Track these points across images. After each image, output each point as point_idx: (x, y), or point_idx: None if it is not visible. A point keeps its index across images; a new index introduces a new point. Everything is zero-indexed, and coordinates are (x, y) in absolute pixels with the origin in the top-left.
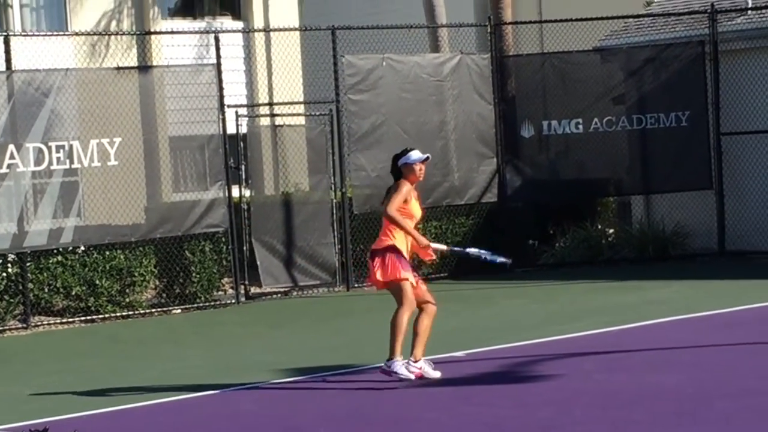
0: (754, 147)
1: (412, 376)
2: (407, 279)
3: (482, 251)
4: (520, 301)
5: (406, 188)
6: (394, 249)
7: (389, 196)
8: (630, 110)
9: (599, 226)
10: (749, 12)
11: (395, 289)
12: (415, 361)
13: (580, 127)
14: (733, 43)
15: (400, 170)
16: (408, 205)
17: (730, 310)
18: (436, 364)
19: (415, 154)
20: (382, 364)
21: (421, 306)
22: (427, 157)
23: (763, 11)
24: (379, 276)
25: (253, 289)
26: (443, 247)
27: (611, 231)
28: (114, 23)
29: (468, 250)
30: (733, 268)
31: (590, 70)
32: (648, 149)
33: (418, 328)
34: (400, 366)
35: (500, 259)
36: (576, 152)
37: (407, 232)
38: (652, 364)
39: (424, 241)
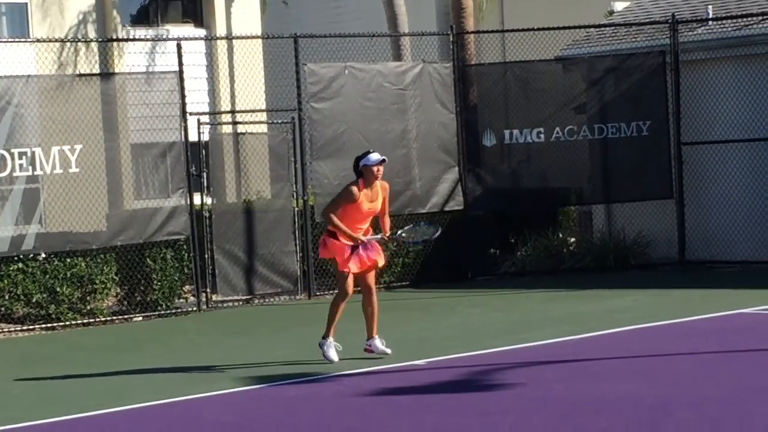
0: (714, 157)
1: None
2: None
3: (412, 233)
4: (481, 309)
5: (348, 191)
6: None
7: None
8: (591, 119)
9: (560, 235)
10: (710, 22)
11: (340, 277)
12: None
13: (542, 136)
14: (694, 53)
15: (361, 171)
16: (356, 204)
17: (690, 319)
18: (397, 372)
19: (374, 156)
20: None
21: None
22: (384, 160)
23: (724, 22)
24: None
25: (215, 297)
26: (378, 236)
27: (572, 240)
28: (76, 30)
29: (400, 233)
30: (694, 277)
31: (552, 79)
32: (609, 158)
33: (368, 311)
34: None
35: (425, 238)
36: (538, 161)
37: (341, 231)
38: (613, 372)
39: (359, 238)
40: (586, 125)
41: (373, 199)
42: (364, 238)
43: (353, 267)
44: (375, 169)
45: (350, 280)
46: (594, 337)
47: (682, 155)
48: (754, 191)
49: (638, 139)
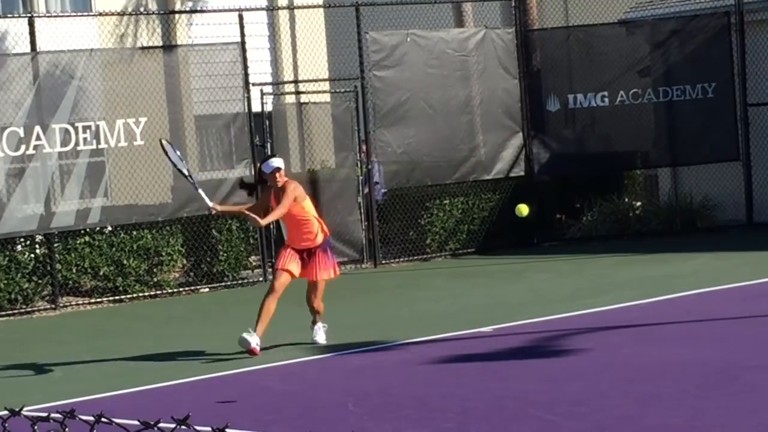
0: None
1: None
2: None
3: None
4: (548, 275)
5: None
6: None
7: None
8: (656, 83)
9: (626, 199)
10: None
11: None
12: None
13: (606, 100)
14: (759, 13)
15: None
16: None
17: (758, 281)
18: (464, 339)
19: (275, 162)
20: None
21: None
22: (278, 168)
23: None
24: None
25: None
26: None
27: (638, 204)
28: (137, 2)
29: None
30: (761, 239)
31: (616, 42)
32: (674, 121)
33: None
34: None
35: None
36: (602, 125)
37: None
38: (680, 337)
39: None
40: (650, 88)
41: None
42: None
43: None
44: (279, 174)
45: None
46: (661, 301)
47: (748, 116)
48: None
49: (703, 101)
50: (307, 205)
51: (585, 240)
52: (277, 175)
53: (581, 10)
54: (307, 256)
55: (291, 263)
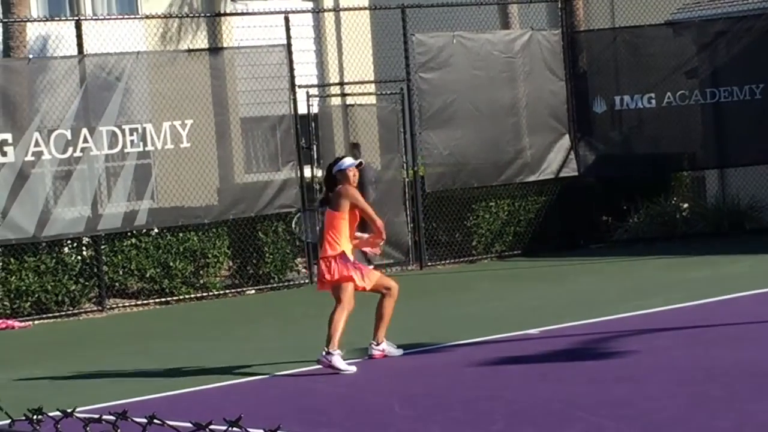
0: None
1: (353, 369)
2: (352, 279)
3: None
4: (594, 277)
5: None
6: (342, 255)
7: (343, 201)
8: (703, 84)
9: (673, 201)
10: None
11: (339, 288)
12: (378, 344)
13: (653, 101)
14: None
15: (335, 177)
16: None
17: None
18: (511, 342)
19: (348, 161)
20: (322, 354)
21: (380, 291)
22: (360, 162)
23: None
24: (327, 277)
25: None
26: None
27: (686, 206)
28: (182, 5)
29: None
30: None
31: (662, 44)
32: (722, 123)
33: (381, 311)
34: (337, 359)
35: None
36: (649, 127)
37: (377, 227)
38: (729, 339)
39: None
40: (697, 89)
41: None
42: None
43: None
44: (350, 172)
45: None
46: (709, 303)
47: None
48: None
49: (751, 103)
50: None
51: (632, 242)
52: (357, 171)
53: (628, 12)
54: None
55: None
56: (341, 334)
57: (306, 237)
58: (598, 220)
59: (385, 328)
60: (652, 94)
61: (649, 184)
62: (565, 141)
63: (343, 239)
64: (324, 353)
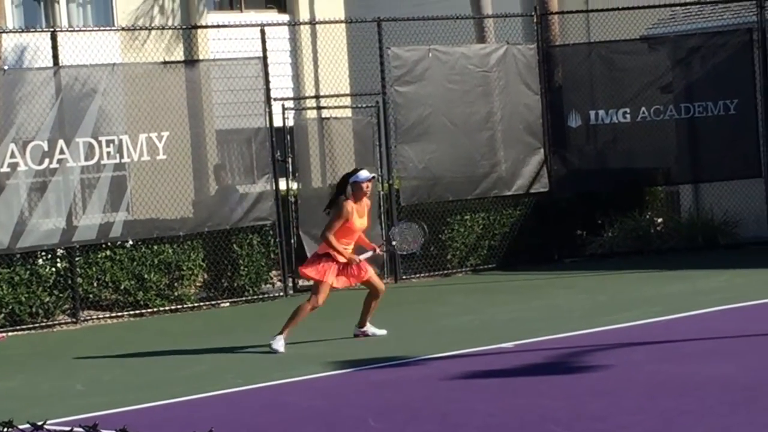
0: None
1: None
2: (328, 282)
3: (404, 242)
4: (569, 291)
5: (346, 210)
6: (328, 255)
7: (330, 217)
8: (678, 99)
9: (648, 216)
10: None
11: (317, 285)
12: (362, 327)
13: (628, 116)
14: None
15: (346, 185)
16: (349, 222)
17: None
18: (485, 355)
19: (364, 174)
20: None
21: (370, 286)
22: (373, 177)
23: None
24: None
25: (301, 282)
26: (369, 253)
27: (660, 220)
28: (160, 17)
29: (394, 244)
30: None
31: (637, 59)
32: (696, 138)
33: (369, 303)
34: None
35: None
36: (624, 142)
37: (339, 253)
38: (703, 354)
39: (354, 258)
40: (672, 105)
41: (362, 215)
42: (357, 258)
43: (337, 282)
44: (364, 186)
45: (327, 292)
46: (683, 318)
47: None
48: None
49: (725, 118)
50: None
51: (606, 256)
52: (371, 185)
53: (603, 26)
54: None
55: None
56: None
57: (410, 249)
58: (572, 234)
59: (369, 315)
60: (627, 109)
61: (623, 199)
62: (540, 155)
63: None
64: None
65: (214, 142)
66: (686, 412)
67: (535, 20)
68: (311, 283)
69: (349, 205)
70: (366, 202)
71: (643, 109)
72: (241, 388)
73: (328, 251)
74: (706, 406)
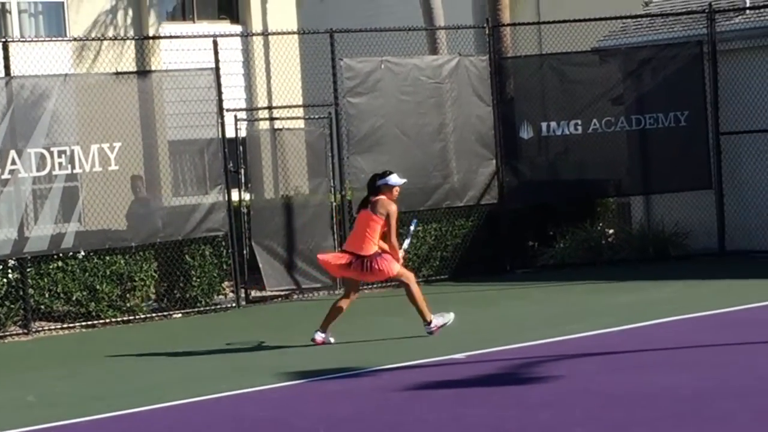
0: (753, 146)
1: (452, 315)
2: (393, 268)
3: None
4: (521, 302)
5: (394, 209)
6: (378, 253)
7: (384, 211)
8: (629, 111)
9: (599, 227)
10: (747, 11)
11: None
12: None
13: (579, 128)
14: (732, 42)
15: (379, 188)
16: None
17: (730, 309)
18: (437, 366)
19: (395, 179)
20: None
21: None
22: (404, 182)
23: (762, 11)
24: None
25: (254, 293)
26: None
27: (611, 231)
28: (112, 28)
29: (405, 242)
30: (733, 267)
31: (589, 71)
32: (647, 149)
33: (338, 306)
34: (438, 320)
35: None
36: (575, 153)
37: (394, 249)
38: (654, 364)
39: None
40: (623, 116)
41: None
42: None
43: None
44: (396, 190)
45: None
46: (634, 328)
47: (720, 145)
48: None
49: (676, 130)
50: None
51: (558, 267)
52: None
53: (555, 38)
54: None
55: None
56: (424, 302)
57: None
58: (524, 245)
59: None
60: (579, 121)
61: (575, 210)
62: (492, 167)
63: (376, 239)
64: (431, 325)
65: (166, 153)
66: (636, 422)
67: (487, 32)
68: (264, 293)
69: (393, 204)
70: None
71: (595, 120)
72: (192, 400)
73: (377, 252)
74: (655, 417)
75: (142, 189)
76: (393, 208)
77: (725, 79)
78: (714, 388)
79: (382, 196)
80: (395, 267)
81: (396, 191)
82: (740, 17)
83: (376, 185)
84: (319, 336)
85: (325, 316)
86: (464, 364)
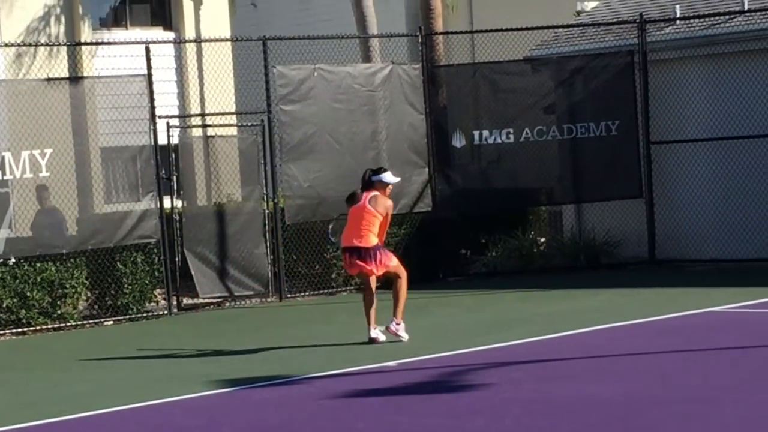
0: (683, 155)
1: (406, 337)
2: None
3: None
4: (453, 310)
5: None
6: (378, 246)
7: (384, 206)
8: (561, 120)
9: (531, 235)
10: (677, 22)
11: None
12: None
13: (511, 136)
14: (662, 52)
15: (372, 183)
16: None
17: (660, 318)
18: (368, 374)
19: (389, 177)
20: (392, 323)
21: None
22: (398, 180)
23: (691, 21)
24: (371, 267)
25: (186, 300)
26: None
27: (543, 240)
28: (44, 34)
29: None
30: (663, 276)
31: (521, 79)
32: (579, 158)
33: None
34: (402, 329)
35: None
36: (507, 162)
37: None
38: (584, 372)
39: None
40: (555, 125)
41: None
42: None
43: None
44: (390, 188)
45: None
46: (565, 336)
47: (651, 154)
48: (722, 189)
49: (607, 139)
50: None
51: (490, 275)
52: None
53: (487, 47)
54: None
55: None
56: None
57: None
58: (456, 253)
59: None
60: (511, 130)
61: (507, 218)
62: (424, 175)
63: (376, 232)
64: (394, 323)
65: (98, 160)
66: (565, 430)
67: (420, 40)
68: (196, 301)
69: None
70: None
71: (527, 129)
72: (122, 407)
73: (377, 244)
74: (584, 425)
75: (48, 199)
76: (390, 204)
77: (656, 88)
78: (643, 396)
79: (376, 192)
80: (394, 260)
81: (390, 189)
82: (670, 27)
83: (371, 180)
84: (374, 332)
85: (366, 316)
86: (396, 372)
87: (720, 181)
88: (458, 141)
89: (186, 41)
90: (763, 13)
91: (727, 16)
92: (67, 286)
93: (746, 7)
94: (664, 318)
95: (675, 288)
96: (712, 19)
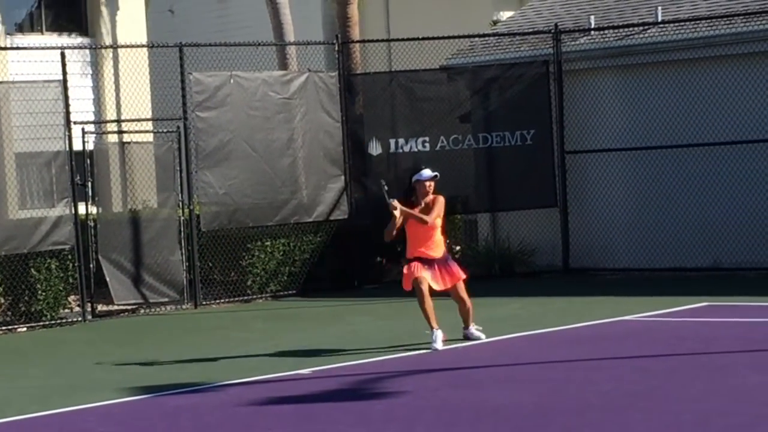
0: (597, 165)
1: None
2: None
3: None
4: (368, 318)
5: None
6: (449, 256)
7: (440, 210)
8: (476, 128)
9: (446, 244)
10: (592, 32)
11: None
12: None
13: (427, 145)
14: (577, 62)
15: (413, 186)
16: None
17: (573, 326)
18: (283, 382)
19: (426, 172)
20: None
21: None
22: (435, 176)
23: (606, 32)
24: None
25: (100, 307)
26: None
27: (458, 248)
28: None
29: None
30: (577, 285)
31: (437, 88)
32: (494, 167)
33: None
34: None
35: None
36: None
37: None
38: (496, 380)
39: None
40: (470, 134)
41: (426, 212)
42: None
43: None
44: (427, 184)
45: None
46: (478, 344)
47: (565, 164)
48: (635, 199)
49: (522, 148)
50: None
51: None
52: (433, 183)
53: (404, 56)
54: (428, 268)
55: (422, 271)
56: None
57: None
58: (372, 261)
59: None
60: (426, 138)
61: None
62: (340, 182)
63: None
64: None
65: (12, 165)
66: None
67: (336, 48)
68: (111, 307)
69: (391, 206)
70: (430, 198)
71: (442, 138)
72: (34, 415)
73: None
74: None
75: None
76: (442, 200)
77: (570, 98)
78: (555, 404)
79: (435, 197)
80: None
81: (429, 185)
82: (585, 38)
83: (411, 183)
84: (437, 335)
85: (426, 318)
86: (310, 380)
87: (633, 191)
88: (374, 149)
89: (102, 47)
90: (676, 24)
91: (641, 28)
92: None
93: (660, 19)
94: (577, 326)
95: (588, 297)
96: (626, 30)
